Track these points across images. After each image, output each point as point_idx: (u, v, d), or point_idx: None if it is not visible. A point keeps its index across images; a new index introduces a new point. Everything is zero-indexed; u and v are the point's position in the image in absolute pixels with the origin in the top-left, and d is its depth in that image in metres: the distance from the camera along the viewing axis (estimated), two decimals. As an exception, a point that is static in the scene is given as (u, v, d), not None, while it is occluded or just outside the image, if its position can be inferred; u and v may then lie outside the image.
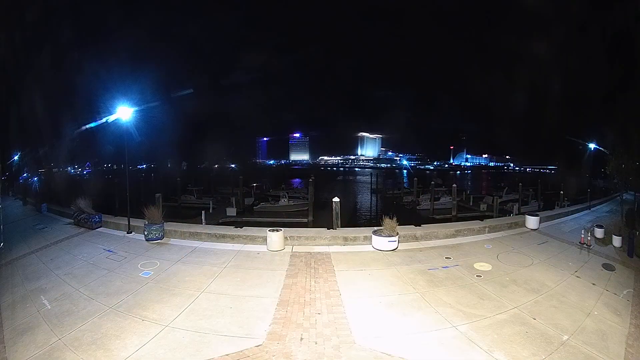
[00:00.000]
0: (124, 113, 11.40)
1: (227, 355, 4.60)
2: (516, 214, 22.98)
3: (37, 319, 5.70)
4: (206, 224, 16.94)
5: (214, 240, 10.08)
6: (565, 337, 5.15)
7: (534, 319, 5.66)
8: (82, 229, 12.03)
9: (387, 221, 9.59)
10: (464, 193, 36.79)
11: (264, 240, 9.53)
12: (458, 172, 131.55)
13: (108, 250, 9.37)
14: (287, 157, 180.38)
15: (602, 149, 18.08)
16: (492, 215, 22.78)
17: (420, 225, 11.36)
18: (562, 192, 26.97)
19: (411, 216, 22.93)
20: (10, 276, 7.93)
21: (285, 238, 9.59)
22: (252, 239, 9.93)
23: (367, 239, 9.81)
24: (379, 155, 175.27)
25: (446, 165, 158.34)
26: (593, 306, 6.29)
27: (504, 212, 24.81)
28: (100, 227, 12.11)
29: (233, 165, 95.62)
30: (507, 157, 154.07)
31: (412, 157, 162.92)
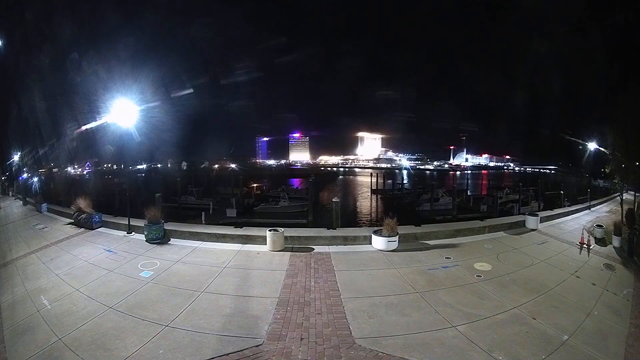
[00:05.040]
0: (124, 113, 11.40)
1: (227, 355, 4.60)
2: (516, 214, 22.99)
3: (37, 319, 5.70)
4: (206, 224, 16.94)
5: (214, 240, 10.08)
6: (565, 337, 5.14)
7: (534, 319, 5.66)
8: (82, 229, 12.03)
9: (387, 221, 9.59)
10: (464, 193, 36.82)
11: (264, 240, 9.53)
12: (458, 172, 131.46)
13: (108, 250, 9.37)
14: (287, 157, 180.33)
15: (602, 149, 18.07)
16: (492, 215, 22.77)
17: (420, 225, 11.36)
18: (562, 192, 26.97)
19: (411, 216, 22.93)
20: (10, 276, 7.93)
21: (285, 238, 9.58)
22: (252, 239, 9.92)
23: (367, 239, 9.80)
24: (379, 155, 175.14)
25: (446, 165, 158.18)
26: (593, 306, 6.29)
27: (504, 213, 24.81)
28: (100, 227, 12.11)
29: (233, 166, 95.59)
30: (507, 157, 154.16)
31: (412, 157, 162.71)
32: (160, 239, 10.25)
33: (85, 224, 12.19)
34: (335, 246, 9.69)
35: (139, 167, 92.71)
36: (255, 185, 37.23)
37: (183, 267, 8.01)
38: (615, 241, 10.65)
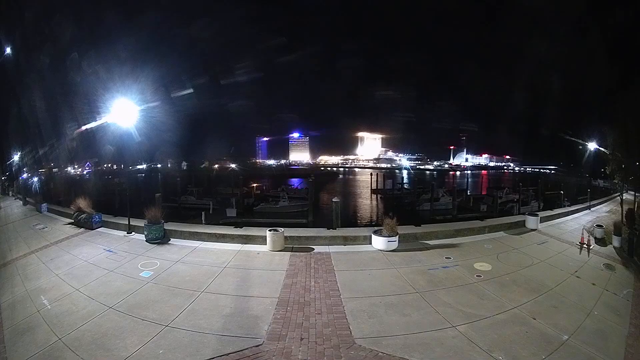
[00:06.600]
0: (124, 113, 11.39)
1: (227, 355, 4.60)
2: (516, 214, 22.96)
3: (37, 319, 5.70)
4: (206, 224, 16.93)
5: (214, 240, 10.08)
6: (565, 337, 5.14)
7: (534, 319, 5.66)
8: (82, 229, 12.03)
9: (387, 221, 9.59)
10: (464, 193, 36.80)
11: (264, 240, 9.53)
12: (458, 172, 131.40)
13: (108, 250, 9.37)
14: (287, 157, 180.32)
15: (602, 149, 18.06)
16: (492, 215, 22.75)
17: (420, 225, 11.36)
18: (562, 192, 26.98)
19: (411, 216, 22.91)
20: (10, 276, 7.93)
21: (285, 238, 9.59)
22: (252, 239, 9.93)
23: (367, 239, 9.80)
24: (379, 155, 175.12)
25: (446, 165, 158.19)
26: (593, 306, 6.29)
27: (504, 213, 24.78)
28: (100, 227, 12.11)
29: (233, 166, 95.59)
30: (507, 157, 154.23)
31: (412, 157, 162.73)
32: (160, 239, 10.25)
33: (85, 224, 12.19)
34: (335, 246, 9.69)
35: (139, 167, 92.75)
36: (255, 185, 37.19)
37: (183, 267, 8.01)
38: (615, 241, 10.65)
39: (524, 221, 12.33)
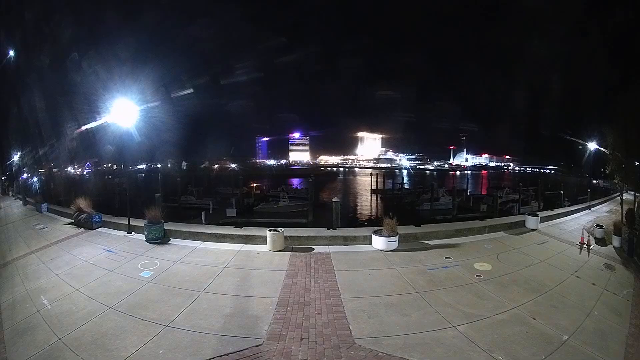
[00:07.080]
0: (124, 113, 11.39)
1: (227, 355, 4.60)
2: (516, 214, 22.94)
3: (37, 319, 5.70)
4: (206, 224, 16.93)
5: (214, 240, 10.08)
6: (565, 337, 5.14)
7: (534, 319, 5.66)
8: (82, 229, 12.03)
9: (387, 221, 9.59)
10: (464, 193, 36.79)
11: (264, 240, 9.53)
12: (458, 172, 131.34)
13: (108, 250, 9.37)
14: (287, 157, 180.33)
15: (602, 149, 18.04)
16: (492, 215, 22.73)
17: (420, 225, 11.36)
18: (562, 192, 26.98)
19: (411, 216, 22.90)
20: (10, 276, 7.93)
21: (285, 238, 9.59)
22: (252, 239, 9.92)
23: (367, 239, 9.80)
24: (379, 155, 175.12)
25: (446, 165, 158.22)
26: (593, 306, 6.30)
27: (504, 213, 24.76)
28: (100, 227, 12.11)
29: (233, 166, 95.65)
30: (507, 157, 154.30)
31: (412, 157, 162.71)
32: (160, 239, 10.25)
33: (85, 224, 12.19)
34: (335, 246, 9.69)
35: (139, 167, 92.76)
36: (255, 185, 37.20)
37: (183, 267, 8.01)
38: (615, 241, 10.65)
39: (524, 221, 12.33)
